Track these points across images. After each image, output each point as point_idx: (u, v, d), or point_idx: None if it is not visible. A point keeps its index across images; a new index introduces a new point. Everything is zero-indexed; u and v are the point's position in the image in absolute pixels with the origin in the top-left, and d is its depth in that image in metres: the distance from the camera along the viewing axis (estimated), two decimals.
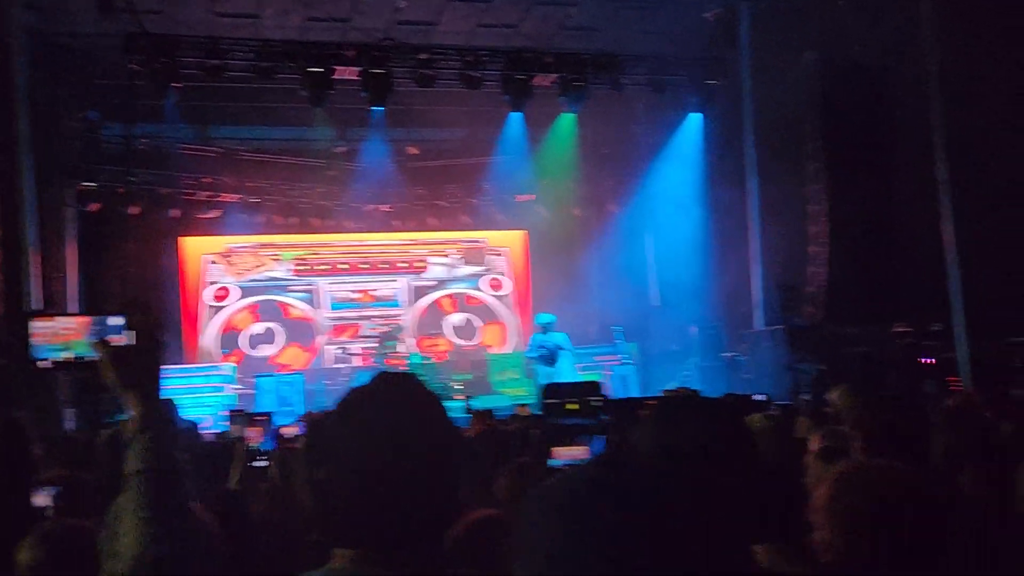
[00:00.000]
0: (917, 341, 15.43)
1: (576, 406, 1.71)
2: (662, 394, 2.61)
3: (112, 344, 1.74)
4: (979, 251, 14.29)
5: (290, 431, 5.58)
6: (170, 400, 1.78)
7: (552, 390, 1.91)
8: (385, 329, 18.72)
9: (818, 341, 15.56)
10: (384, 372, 1.77)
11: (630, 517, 0.99)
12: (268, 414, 3.38)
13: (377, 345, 18.19)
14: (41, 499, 3.22)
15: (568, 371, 15.39)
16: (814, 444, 3.95)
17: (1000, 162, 13.74)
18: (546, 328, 15.44)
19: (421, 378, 1.78)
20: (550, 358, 15.23)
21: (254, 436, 3.38)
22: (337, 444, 1.67)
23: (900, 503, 2.02)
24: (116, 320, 2.13)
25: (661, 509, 1.00)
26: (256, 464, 3.26)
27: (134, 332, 1.76)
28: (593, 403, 1.71)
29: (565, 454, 1.81)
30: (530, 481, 1.91)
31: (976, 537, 2.54)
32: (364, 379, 1.74)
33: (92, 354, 1.98)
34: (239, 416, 3.69)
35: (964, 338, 14.15)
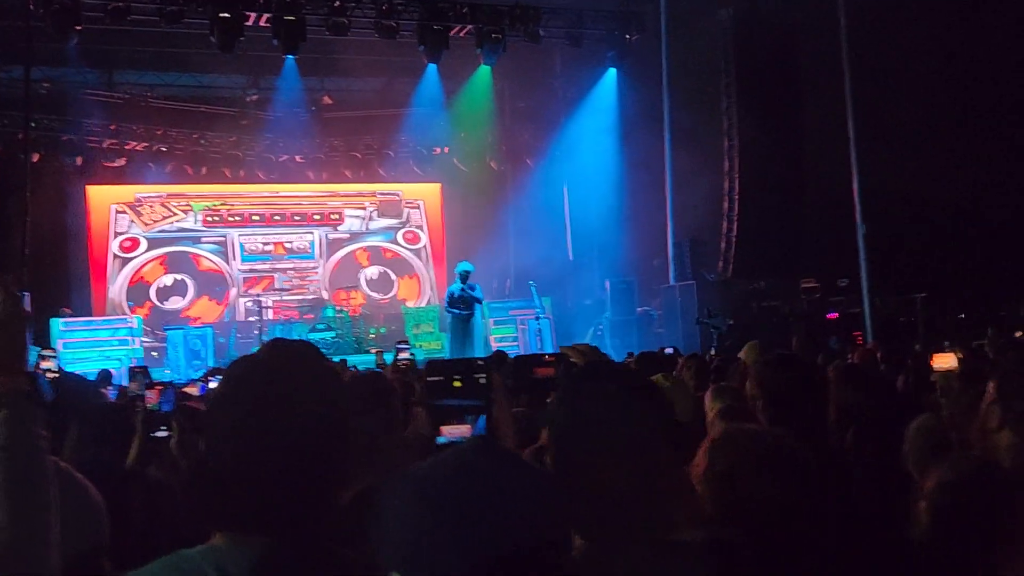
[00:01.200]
0: (824, 296, 15.83)
1: (460, 383, 1.70)
2: (560, 351, 2.54)
3: None
4: (885, 207, 14.68)
5: (192, 389, 5.47)
6: (35, 375, 1.68)
7: (435, 367, 1.88)
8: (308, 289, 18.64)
9: (728, 296, 15.87)
10: (276, 340, 1.70)
11: (484, 505, 0.99)
12: (169, 382, 3.27)
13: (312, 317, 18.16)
14: None
15: (481, 326, 15.30)
16: (711, 404, 3.97)
17: (907, 119, 14.08)
18: (465, 277, 14.86)
19: (314, 349, 1.70)
20: (468, 313, 14.79)
21: (152, 397, 3.27)
22: (217, 417, 1.60)
23: (769, 467, 2.05)
24: None
25: (514, 498, 0.99)
26: (157, 435, 3.14)
27: None
28: (478, 380, 1.71)
29: (452, 432, 1.77)
30: (414, 457, 1.87)
31: (848, 499, 2.60)
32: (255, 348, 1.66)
33: None
34: (138, 372, 3.57)
35: (868, 293, 14.56)
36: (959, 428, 2.95)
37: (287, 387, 1.58)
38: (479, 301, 14.91)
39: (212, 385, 6.20)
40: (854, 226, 14.80)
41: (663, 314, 17.09)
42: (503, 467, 1.04)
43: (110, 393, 7.25)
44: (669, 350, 11.23)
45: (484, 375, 1.90)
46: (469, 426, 1.85)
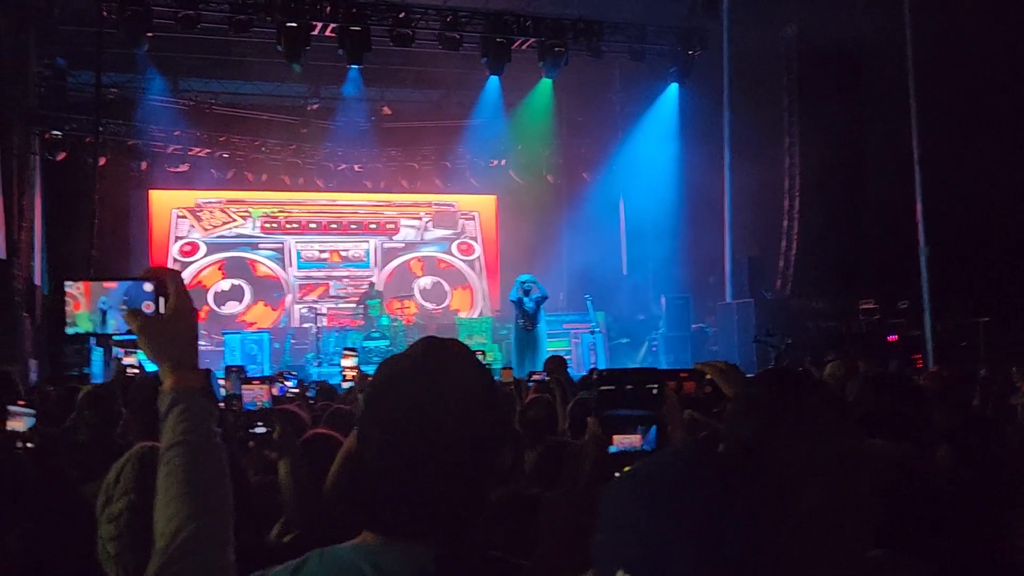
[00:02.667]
0: (883, 318, 15.62)
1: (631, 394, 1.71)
2: (695, 368, 2.47)
3: (144, 313, 1.68)
4: (948, 229, 14.45)
5: (271, 390, 5.51)
6: (208, 371, 1.71)
7: (607, 377, 1.86)
8: (363, 290, 18.76)
9: (786, 315, 15.70)
10: (429, 338, 1.67)
11: (724, 504, 0.98)
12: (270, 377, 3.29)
13: (356, 305, 18.39)
14: (17, 422, 3.12)
15: (544, 336, 15.36)
16: None
17: (971, 142, 13.86)
18: (528, 289, 15.21)
19: (467, 348, 1.66)
20: (533, 317, 15.05)
21: (261, 395, 3.28)
22: (374, 414, 1.56)
23: (898, 483, 2.03)
24: (147, 286, 2.03)
25: (752, 501, 0.99)
26: (256, 431, 3.11)
27: (164, 299, 1.69)
28: (650, 391, 1.69)
29: (623, 441, 1.77)
30: (578, 464, 1.85)
31: (968, 514, 2.56)
32: (407, 345, 1.64)
33: (98, 328, 1.89)
34: (234, 371, 3.61)
35: (930, 316, 14.31)
36: None
37: (445, 384, 1.54)
38: (545, 297, 15.30)
39: (288, 384, 6.29)
40: (915, 247, 14.57)
41: (718, 331, 16.96)
42: (727, 473, 1.03)
43: None
44: None
45: (656, 385, 1.88)
46: (640, 436, 1.84)
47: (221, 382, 4.54)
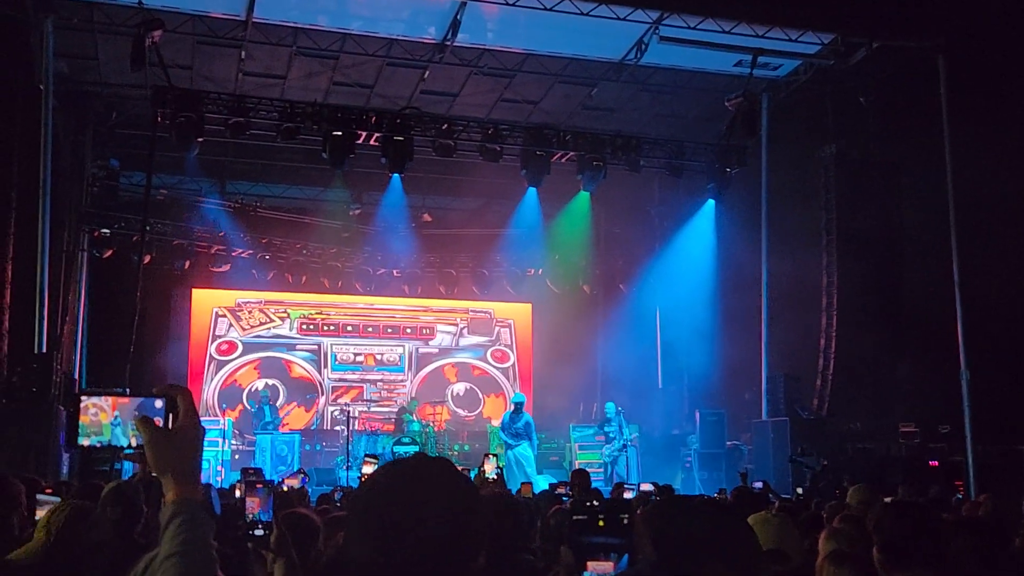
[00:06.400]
0: (924, 442, 15.29)
1: (604, 522, 1.73)
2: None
3: (154, 426, 1.75)
4: (990, 355, 14.22)
5: (292, 482, 5.50)
6: (209, 485, 1.77)
7: (580, 507, 1.93)
8: (402, 403, 19.01)
9: (822, 435, 15.43)
10: (418, 453, 1.73)
11: None
12: (270, 482, 3.30)
13: (395, 416, 18.54)
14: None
15: (531, 455, 15.41)
16: (823, 545, 3.86)
17: (1012, 266, 13.76)
18: (518, 407, 15.73)
19: (452, 464, 1.72)
20: (514, 443, 15.37)
21: (253, 507, 3.32)
22: (359, 513, 1.63)
23: None
24: (158, 402, 2.14)
25: None
26: (255, 533, 3.19)
27: (173, 415, 1.77)
28: (622, 520, 1.73)
29: (598, 568, 1.82)
30: None
31: None
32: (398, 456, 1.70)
33: (118, 441, 2.00)
34: (251, 474, 3.59)
35: (971, 442, 13.97)
36: None
37: (428, 491, 1.62)
38: (516, 436, 15.50)
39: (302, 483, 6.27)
40: (956, 371, 14.33)
41: (753, 449, 16.69)
42: None
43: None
44: (758, 484, 10.98)
45: (627, 515, 1.92)
46: (613, 563, 1.86)
47: (236, 485, 4.55)
